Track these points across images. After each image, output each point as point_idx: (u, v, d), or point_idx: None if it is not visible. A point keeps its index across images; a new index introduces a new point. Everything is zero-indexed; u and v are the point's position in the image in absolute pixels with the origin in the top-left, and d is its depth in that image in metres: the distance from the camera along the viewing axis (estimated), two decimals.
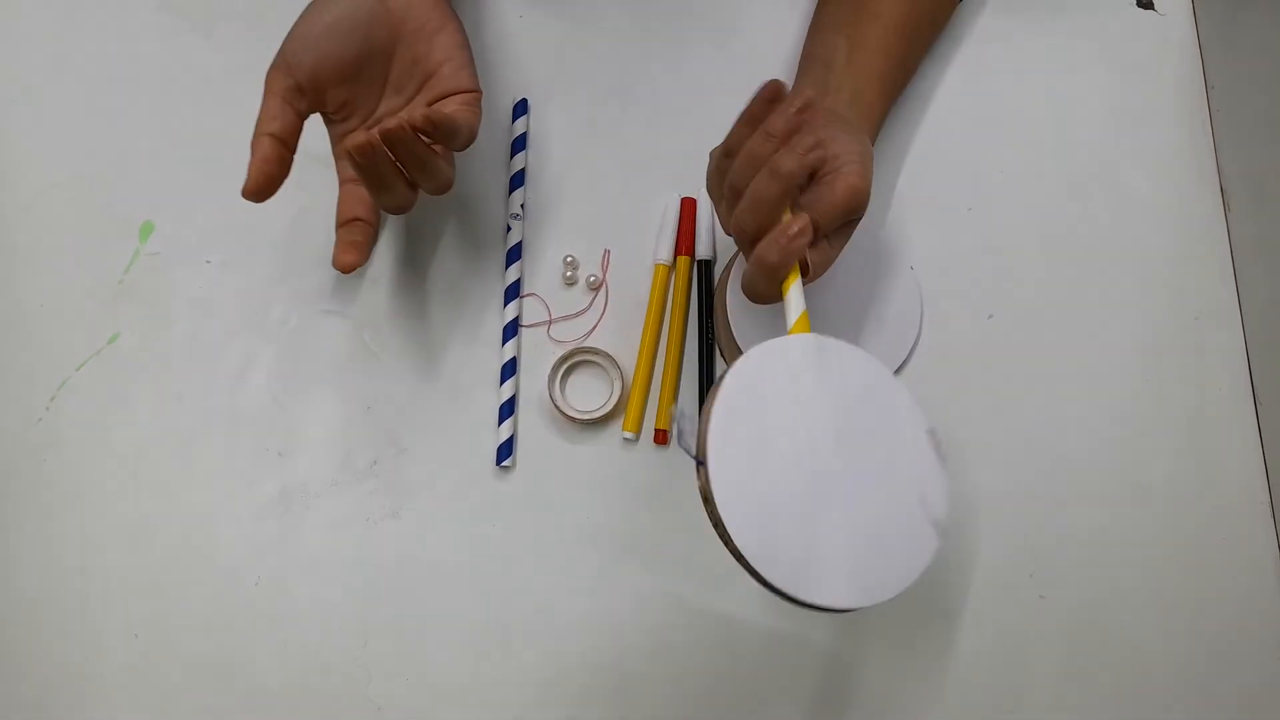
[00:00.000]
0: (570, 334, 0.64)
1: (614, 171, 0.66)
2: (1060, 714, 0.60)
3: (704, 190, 0.65)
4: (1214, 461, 0.63)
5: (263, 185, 0.53)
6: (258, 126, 0.53)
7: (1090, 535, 0.62)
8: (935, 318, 0.64)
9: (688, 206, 0.65)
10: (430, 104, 0.56)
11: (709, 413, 0.45)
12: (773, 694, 0.60)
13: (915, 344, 0.64)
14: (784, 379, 0.47)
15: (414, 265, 0.65)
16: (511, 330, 0.63)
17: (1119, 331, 0.65)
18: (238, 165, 0.66)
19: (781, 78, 0.49)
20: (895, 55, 0.60)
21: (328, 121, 0.58)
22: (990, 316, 0.65)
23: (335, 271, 0.64)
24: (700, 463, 0.44)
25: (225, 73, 0.68)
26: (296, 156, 0.66)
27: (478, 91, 0.56)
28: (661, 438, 0.62)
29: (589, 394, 0.63)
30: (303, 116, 0.55)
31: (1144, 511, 0.62)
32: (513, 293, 0.64)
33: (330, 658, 0.60)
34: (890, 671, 0.60)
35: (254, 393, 0.63)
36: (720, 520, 0.43)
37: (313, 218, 0.65)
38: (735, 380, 0.46)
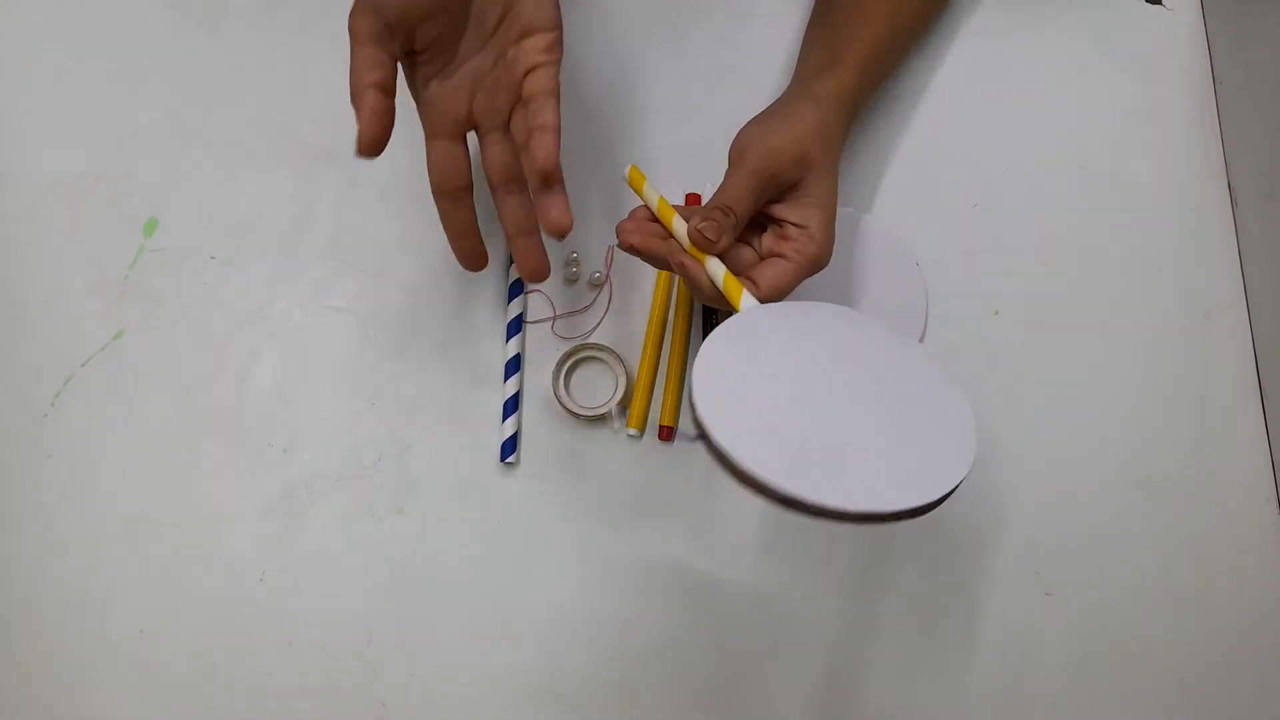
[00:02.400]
0: (574, 330, 0.64)
1: (618, 168, 0.66)
2: (1067, 712, 0.60)
3: (708, 186, 0.65)
4: (1221, 458, 0.63)
5: (377, 139, 0.48)
6: (356, 78, 0.48)
7: (1097, 532, 0.62)
8: (941, 314, 0.64)
9: (692, 202, 0.65)
10: (516, 40, 0.52)
11: (691, 387, 0.44)
12: (777, 689, 0.59)
13: (922, 339, 0.63)
14: (759, 336, 0.47)
15: (418, 261, 0.65)
16: (515, 327, 0.63)
17: (1125, 328, 0.65)
18: (242, 161, 0.66)
19: (782, 73, 0.49)
20: (884, 39, 0.60)
21: (412, 65, 0.52)
22: (996, 313, 0.65)
23: (339, 267, 0.65)
24: (701, 435, 0.43)
25: (231, 69, 0.68)
26: (300, 152, 0.66)
27: (556, 31, 0.51)
28: (665, 434, 0.62)
29: (593, 390, 0.63)
30: (395, 60, 0.50)
31: (1150, 508, 0.62)
32: (517, 289, 0.64)
33: (335, 654, 0.60)
34: (895, 669, 0.60)
35: (259, 389, 0.63)
36: (733, 460, 0.41)
37: (318, 213, 0.65)
38: (709, 352, 0.45)
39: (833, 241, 0.52)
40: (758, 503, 0.62)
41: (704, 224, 0.49)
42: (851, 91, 0.57)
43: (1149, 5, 0.70)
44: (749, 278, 0.50)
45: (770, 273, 0.50)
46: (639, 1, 0.69)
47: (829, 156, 0.53)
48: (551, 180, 0.49)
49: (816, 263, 0.51)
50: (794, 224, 0.51)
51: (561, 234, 0.50)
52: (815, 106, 0.54)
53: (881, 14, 0.60)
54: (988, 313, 0.65)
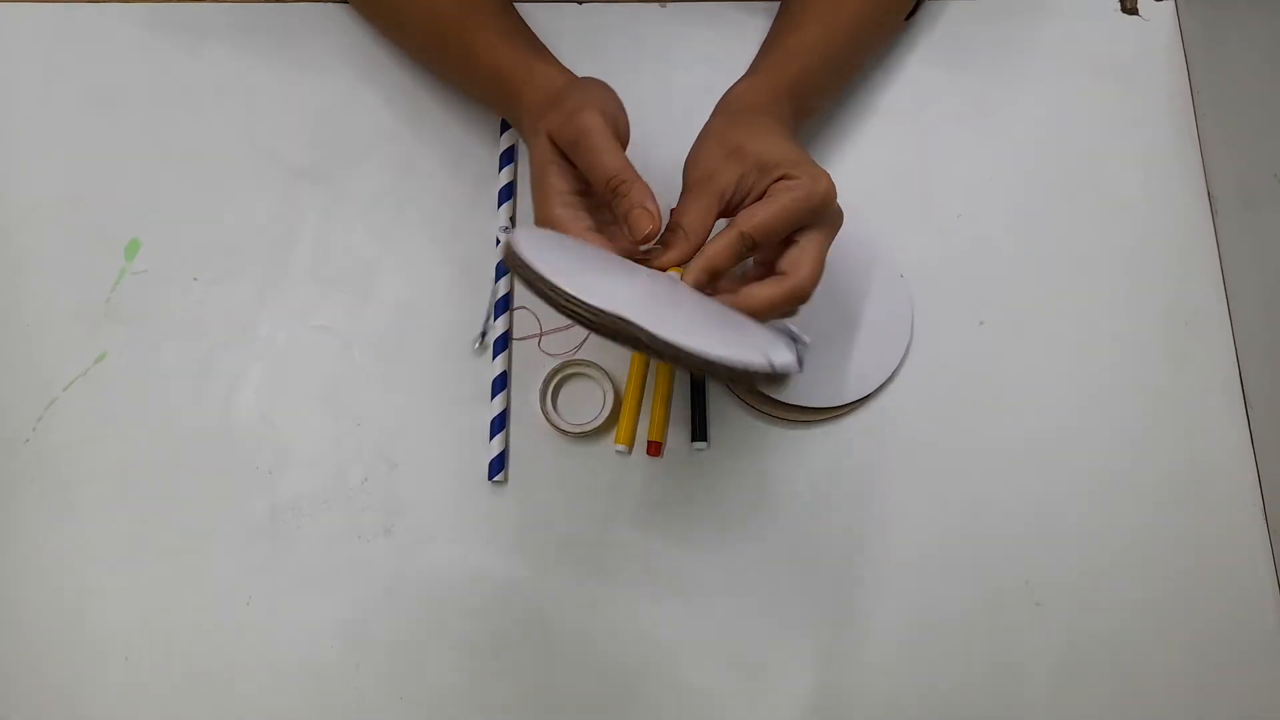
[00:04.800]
0: (561, 347, 0.64)
1: None
2: None
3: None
4: (1206, 465, 0.63)
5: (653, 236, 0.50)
6: (635, 193, 0.49)
7: (1085, 541, 0.62)
8: (926, 325, 0.64)
9: None
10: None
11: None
12: (770, 700, 0.59)
13: (907, 351, 0.64)
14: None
15: (402, 280, 0.65)
16: (502, 344, 0.63)
17: (1109, 336, 0.65)
18: (223, 181, 0.66)
19: None
20: (836, 45, 0.60)
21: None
22: (981, 323, 0.65)
23: (323, 287, 0.64)
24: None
25: (211, 91, 0.68)
26: (282, 171, 0.66)
27: (620, 179, 0.50)
28: (654, 449, 0.62)
29: (581, 407, 0.63)
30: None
31: (1137, 516, 0.62)
32: (502, 306, 0.64)
33: (323, 678, 0.59)
34: (885, 680, 0.60)
35: (243, 411, 0.63)
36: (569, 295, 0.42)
37: (301, 233, 0.65)
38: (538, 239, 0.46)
39: (825, 176, 0.50)
40: (752, 518, 0.62)
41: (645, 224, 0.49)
42: (785, 90, 0.57)
43: (1125, 15, 0.71)
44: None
45: (760, 214, 0.49)
46: (628, 15, 0.70)
47: (755, 134, 0.52)
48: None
49: (811, 197, 0.49)
50: (782, 178, 0.50)
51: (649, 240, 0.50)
52: (721, 113, 0.55)
53: (814, 18, 0.60)
54: (973, 323, 0.65)
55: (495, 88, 0.59)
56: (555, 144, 0.51)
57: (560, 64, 0.58)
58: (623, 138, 0.52)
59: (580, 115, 0.50)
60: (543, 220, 0.51)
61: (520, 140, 0.67)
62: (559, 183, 0.51)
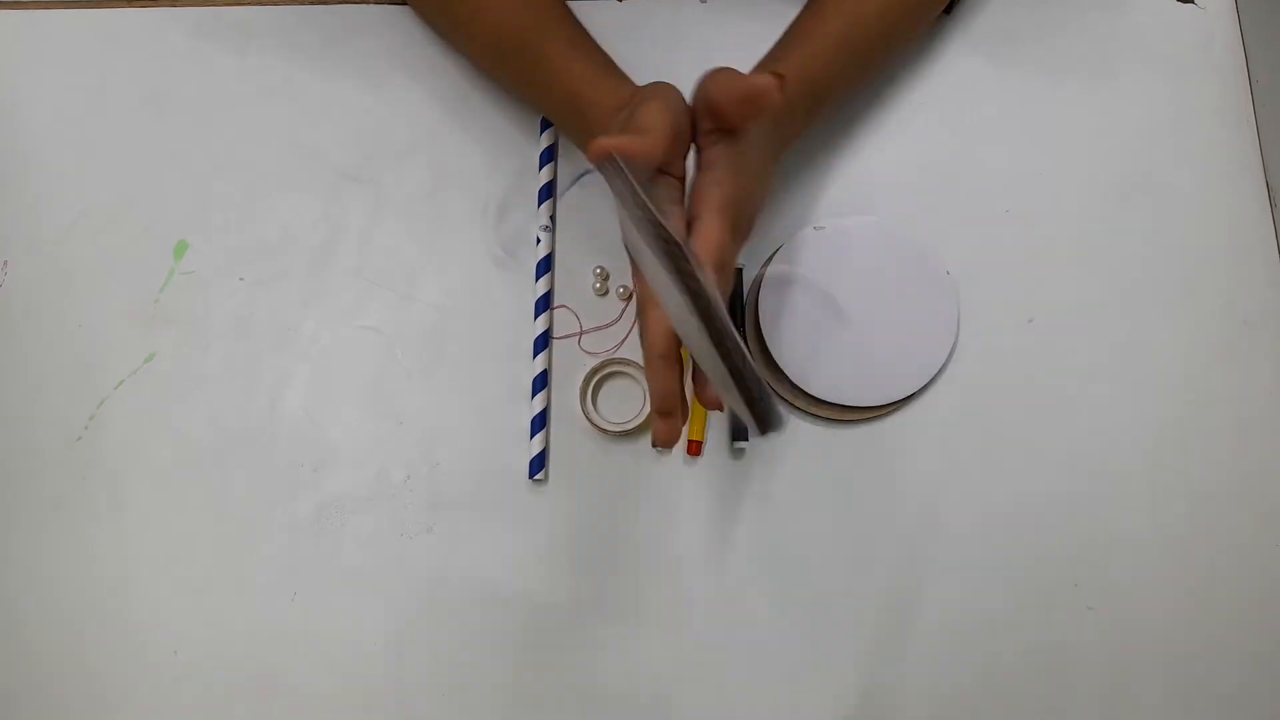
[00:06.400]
0: (601, 345, 0.64)
1: None
2: None
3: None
4: (1262, 468, 0.61)
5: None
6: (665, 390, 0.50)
7: (1136, 544, 0.60)
8: (973, 322, 0.63)
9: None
10: None
11: None
12: (813, 701, 0.59)
13: (954, 349, 0.62)
14: None
15: (444, 280, 0.65)
16: (542, 343, 0.63)
17: (1163, 336, 0.63)
18: (269, 183, 0.67)
19: None
20: (854, 36, 0.59)
21: None
22: (1030, 321, 0.64)
23: (367, 287, 0.65)
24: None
25: (257, 93, 0.68)
26: (327, 173, 0.67)
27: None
28: (695, 448, 0.61)
29: (621, 405, 0.63)
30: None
31: (1192, 519, 0.61)
32: (543, 305, 0.64)
33: (367, 673, 0.60)
34: (931, 683, 0.59)
35: (289, 409, 0.63)
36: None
37: (345, 234, 0.66)
38: None
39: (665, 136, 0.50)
40: (793, 519, 0.61)
41: None
42: (795, 80, 0.55)
43: (1181, 4, 0.69)
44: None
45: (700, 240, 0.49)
46: (664, 14, 0.69)
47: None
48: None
49: (727, 200, 0.50)
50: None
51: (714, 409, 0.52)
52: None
53: (838, 9, 0.59)
54: (1022, 321, 0.64)
55: (565, 97, 0.58)
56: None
57: (627, 76, 0.58)
58: (684, 140, 0.52)
59: (644, 108, 0.50)
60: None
61: (562, 137, 0.67)
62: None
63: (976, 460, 0.62)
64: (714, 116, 0.51)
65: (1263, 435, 0.62)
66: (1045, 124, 0.67)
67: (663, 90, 0.53)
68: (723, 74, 0.50)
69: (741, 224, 0.52)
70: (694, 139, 0.53)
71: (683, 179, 0.53)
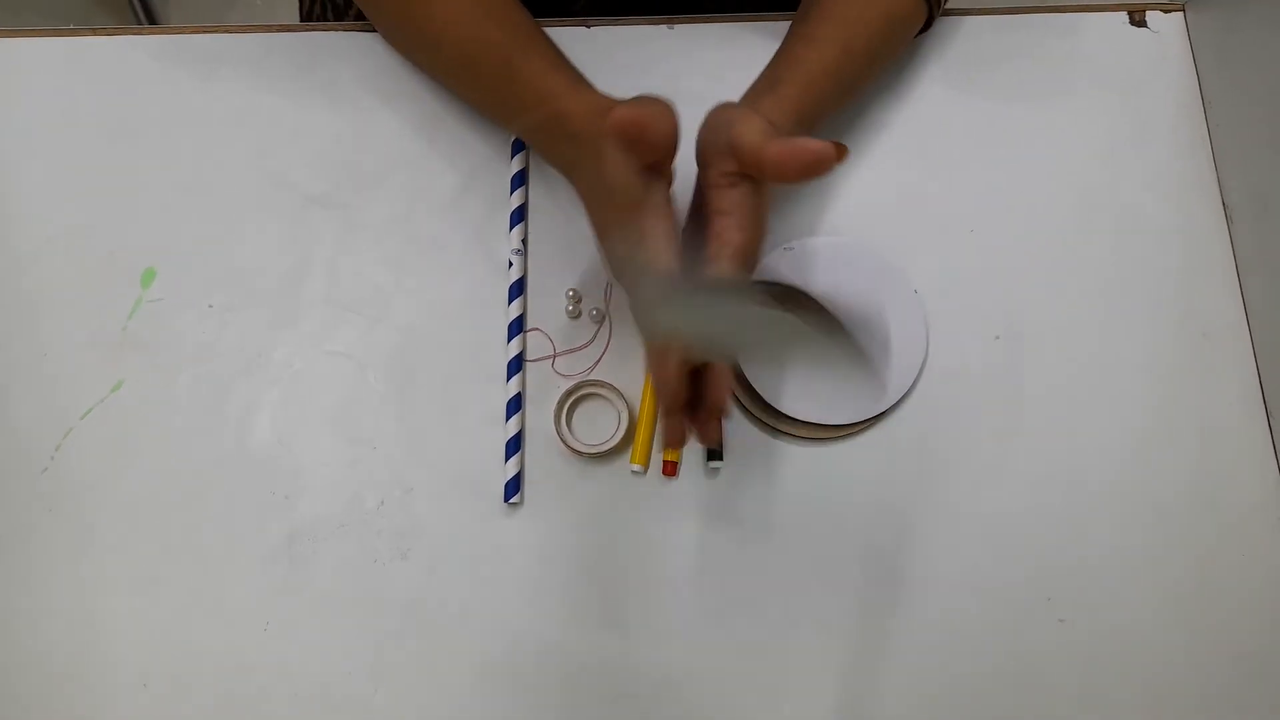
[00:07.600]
0: (575, 367, 0.64)
1: None
2: None
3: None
4: (1228, 477, 0.63)
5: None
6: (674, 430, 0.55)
7: (1107, 556, 0.61)
8: (941, 340, 0.64)
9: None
10: None
11: None
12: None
13: (922, 367, 0.63)
14: None
15: (416, 304, 0.65)
16: (515, 366, 0.63)
17: (1126, 350, 0.64)
18: (237, 209, 0.66)
19: None
20: (832, 63, 0.59)
21: None
22: (997, 338, 0.65)
23: (337, 313, 0.65)
24: None
25: (225, 119, 0.68)
26: (295, 198, 0.67)
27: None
28: (670, 469, 0.61)
29: (596, 427, 0.63)
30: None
31: (1160, 531, 0.62)
32: (516, 328, 0.64)
33: (341, 702, 0.59)
34: (905, 699, 0.59)
35: (259, 437, 0.63)
36: None
37: (314, 259, 0.65)
38: None
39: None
40: (768, 537, 0.61)
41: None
42: (792, 111, 0.56)
43: (1134, 28, 0.71)
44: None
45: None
46: (635, 40, 0.70)
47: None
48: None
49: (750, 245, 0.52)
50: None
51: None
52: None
53: (831, 38, 0.59)
54: (989, 337, 0.65)
55: (542, 109, 0.57)
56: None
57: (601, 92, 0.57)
58: (678, 139, 0.51)
59: (638, 97, 0.49)
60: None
61: (534, 161, 0.67)
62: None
63: (947, 476, 0.62)
64: (753, 167, 0.50)
65: (1225, 445, 0.63)
66: (1007, 145, 0.68)
67: (648, 95, 0.53)
68: (762, 126, 0.50)
69: (755, 264, 0.54)
70: (703, 176, 0.53)
71: (670, 182, 0.53)
